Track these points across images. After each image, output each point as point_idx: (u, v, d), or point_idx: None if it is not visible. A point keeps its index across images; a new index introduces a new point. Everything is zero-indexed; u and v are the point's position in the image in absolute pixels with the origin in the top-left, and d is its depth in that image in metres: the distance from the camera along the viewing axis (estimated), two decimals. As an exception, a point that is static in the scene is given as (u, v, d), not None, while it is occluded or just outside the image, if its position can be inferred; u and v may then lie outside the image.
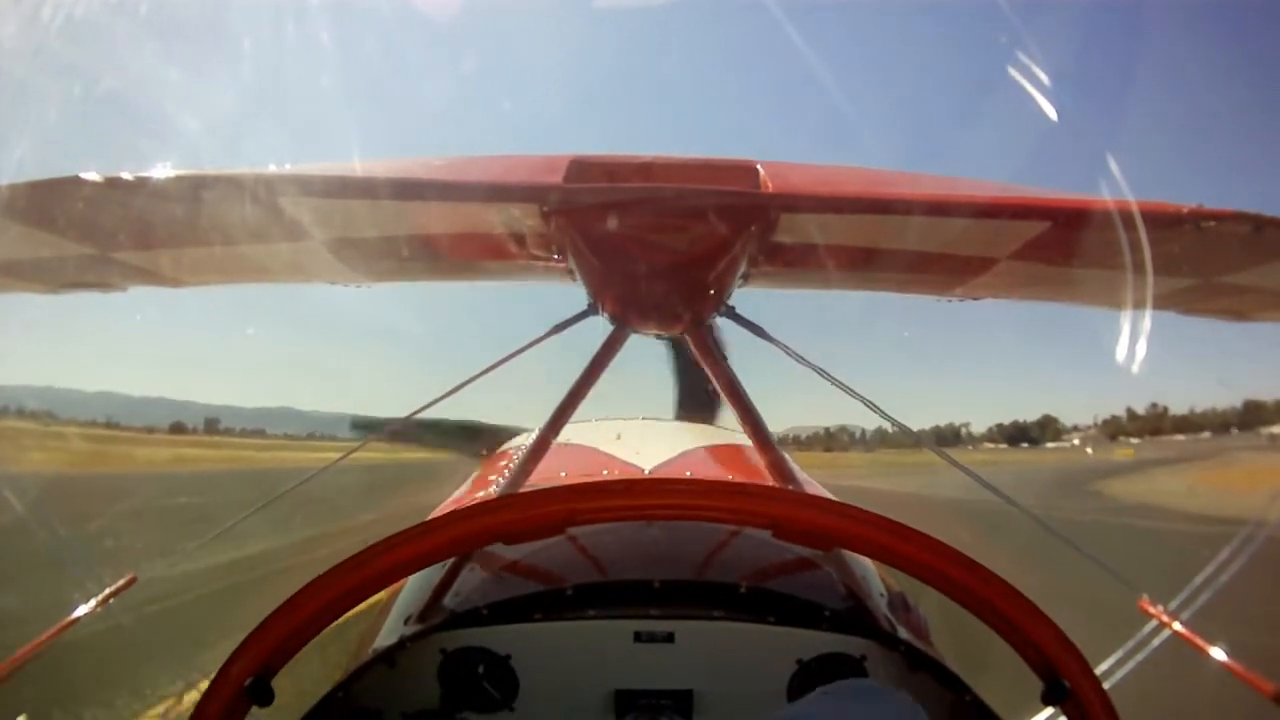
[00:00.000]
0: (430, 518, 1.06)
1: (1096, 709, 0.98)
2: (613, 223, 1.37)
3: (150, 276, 1.83)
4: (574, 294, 1.69)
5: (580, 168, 1.33)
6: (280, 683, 0.99)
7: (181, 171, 1.32)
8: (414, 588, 1.46)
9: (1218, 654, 1.36)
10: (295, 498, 1.94)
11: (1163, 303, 1.64)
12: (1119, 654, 1.68)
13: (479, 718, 1.26)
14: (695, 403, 2.98)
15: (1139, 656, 1.67)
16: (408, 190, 1.40)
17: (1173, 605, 1.54)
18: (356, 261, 1.79)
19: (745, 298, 1.72)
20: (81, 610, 1.50)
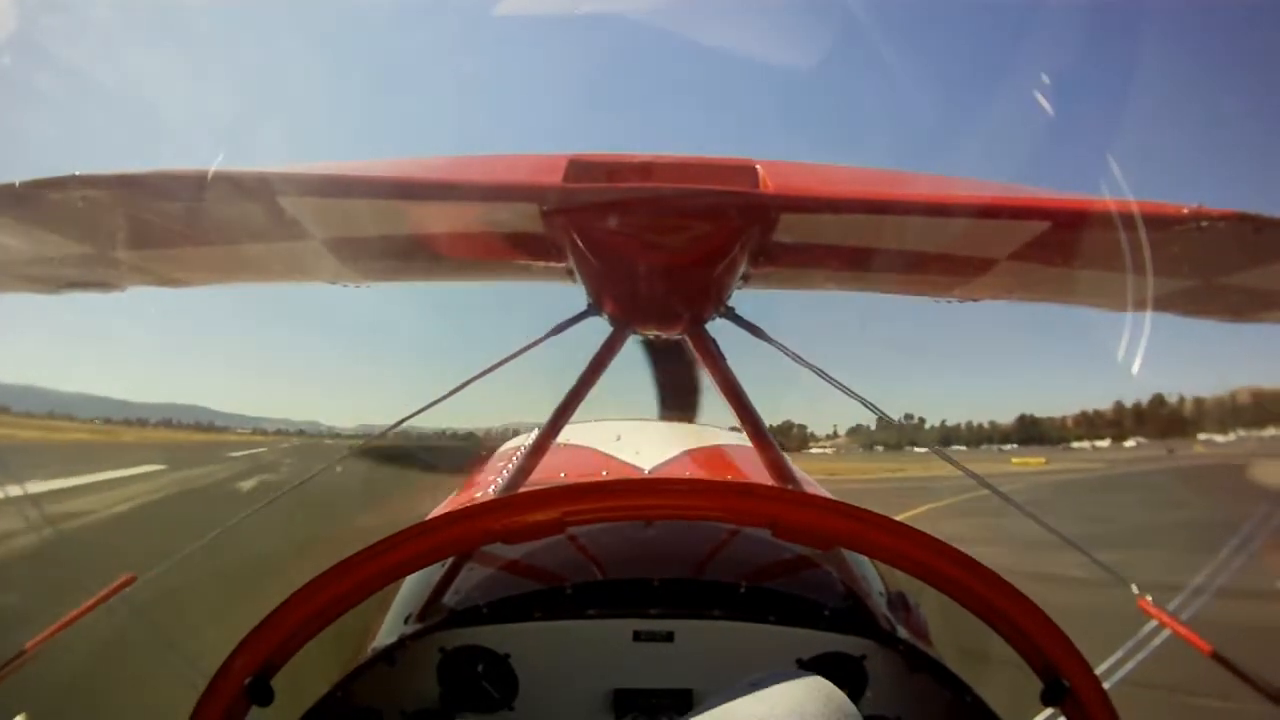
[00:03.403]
0: (429, 517, 1.06)
1: (1096, 709, 0.98)
2: (612, 223, 1.37)
3: (149, 276, 1.84)
4: (574, 294, 1.69)
5: (579, 168, 1.32)
6: (280, 682, 0.99)
7: (181, 170, 1.32)
8: (414, 587, 1.46)
9: (1217, 654, 1.36)
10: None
11: (1162, 304, 1.64)
12: (1119, 654, 1.68)
13: (478, 717, 1.26)
14: (676, 401, 2.97)
15: (1139, 657, 1.66)
16: (407, 190, 1.40)
17: (1172, 605, 1.54)
18: (356, 261, 1.79)
19: (745, 298, 1.72)
20: (80, 610, 1.50)
